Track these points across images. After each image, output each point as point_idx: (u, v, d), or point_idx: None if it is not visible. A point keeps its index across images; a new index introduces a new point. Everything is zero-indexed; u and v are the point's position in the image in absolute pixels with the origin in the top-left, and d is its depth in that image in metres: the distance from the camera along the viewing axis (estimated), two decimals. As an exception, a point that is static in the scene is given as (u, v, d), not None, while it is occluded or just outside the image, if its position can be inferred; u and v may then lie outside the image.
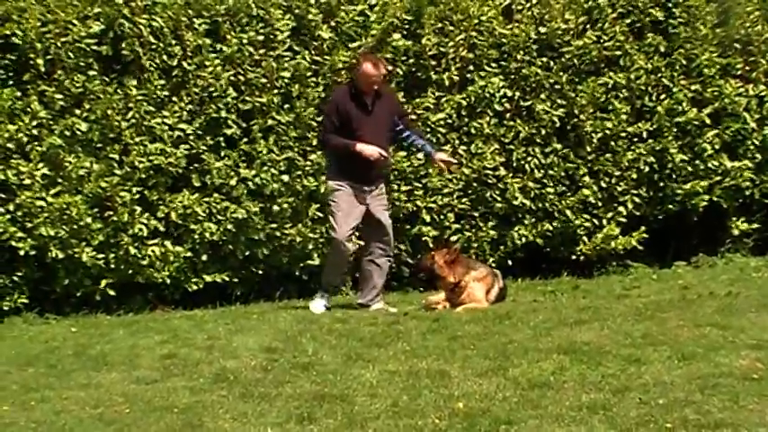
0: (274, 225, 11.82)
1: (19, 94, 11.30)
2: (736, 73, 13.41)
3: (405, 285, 12.49)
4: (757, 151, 13.33)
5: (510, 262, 12.70)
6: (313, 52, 12.10)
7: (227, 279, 11.85)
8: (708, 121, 13.08)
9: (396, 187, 12.18)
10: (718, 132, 13.13)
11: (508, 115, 12.65)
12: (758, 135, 13.31)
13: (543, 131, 12.65)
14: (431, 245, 12.20)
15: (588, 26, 12.89)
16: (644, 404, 6.69)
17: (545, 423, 6.39)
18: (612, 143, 12.87)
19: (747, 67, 13.47)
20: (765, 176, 13.40)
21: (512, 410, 6.67)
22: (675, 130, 13.02)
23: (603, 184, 12.89)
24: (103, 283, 11.46)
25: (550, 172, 12.71)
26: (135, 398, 7.46)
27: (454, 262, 10.97)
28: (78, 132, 11.30)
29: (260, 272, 12.03)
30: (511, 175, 12.61)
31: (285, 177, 11.80)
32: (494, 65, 12.59)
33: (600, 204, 12.89)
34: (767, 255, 13.32)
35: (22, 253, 11.14)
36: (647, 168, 12.94)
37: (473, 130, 12.53)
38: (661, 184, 13.13)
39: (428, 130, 12.28)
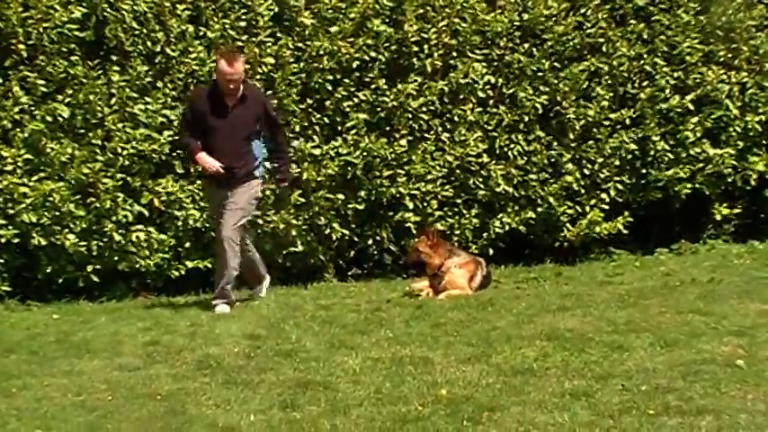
0: (257, 212, 11.80)
1: (0, 79, 11.23)
2: (719, 60, 13.42)
3: (388, 273, 12.48)
4: (739, 138, 13.35)
5: (493, 249, 12.70)
6: (295, 38, 12.07)
7: (209, 266, 11.83)
8: (690, 108, 13.10)
9: (378, 173, 12.17)
10: (700, 119, 13.14)
11: (491, 102, 12.65)
12: (740, 122, 13.32)
13: (526, 118, 12.65)
14: (414, 231, 12.20)
15: (571, 13, 12.88)
16: (626, 391, 6.72)
17: (528, 409, 6.41)
18: (595, 130, 12.88)
19: (729, 55, 13.47)
20: (747, 163, 13.42)
21: (495, 397, 6.69)
22: (658, 117, 13.04)
23: (586, 171, 12.90)
24: (89, 268, 11.42)
25: (533, 159, 12.70)
26: (117, 385, 7.46)
27: (436, 245, 11.02)
28: (60, 118, 11.25)
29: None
30: (494, 162, 12.60)
31: (267, 164, 11.76)
32: (476, 51, 12.58)
33: (583, 191, 12.91)
34: (749, 241, 13.35)
35: (3, 240, 11.09)
36: (629, 155, 12.96)
37: (456, 117, 12.51)
38: (643, 171, 13.15)
39: (410, 116, 12.27)
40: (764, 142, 13.55)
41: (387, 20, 12.31)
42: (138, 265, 11.52)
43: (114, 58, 11.55)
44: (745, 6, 13.58)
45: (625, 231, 12.99)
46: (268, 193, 11.79)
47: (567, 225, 12.86)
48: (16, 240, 11.17)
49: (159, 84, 11.63)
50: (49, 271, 11.39)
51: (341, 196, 12.09)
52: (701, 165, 13.17)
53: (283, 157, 11.00)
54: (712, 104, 13.25)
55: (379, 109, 12.19)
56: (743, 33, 13.50)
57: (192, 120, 10.52)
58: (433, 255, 11.03)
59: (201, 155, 10.39)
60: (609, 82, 12.94)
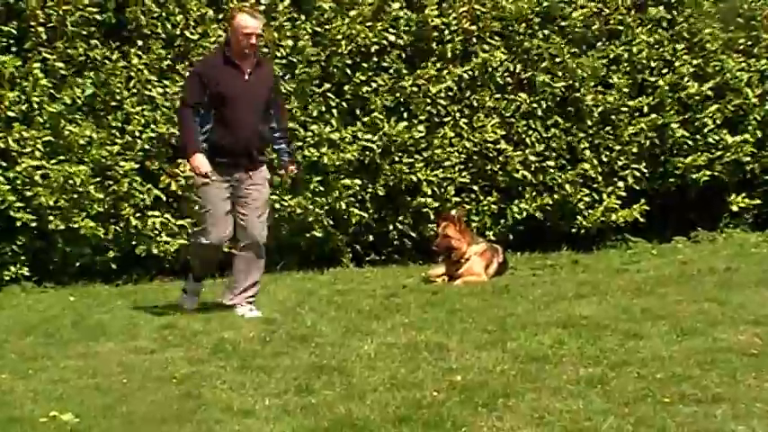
0: (275, 196, 11.80)
1: (21, 61, 11.25)
2: (739, 48, 13.38)
3: (405, 258, 12.49)
4: (758, 127, 13.31)
5: (510, 235, 12.69)
6: (314, 22, 12.06)
7: (226, 250, 11.83)
8: (709, 95, 13.06)
9: (397, 159, 12.16)
10: (719, 107, 13.11)
11: (509, 88, 12.63)
12: (759, 110, 13.29)
13: (544, 105, 12.63)
14: (432, 217, 12.20)
15: (590, -1, 12.87)
16: (642, 378, 6.69)
17: (543, 396, 6.40)
18: (613, 117, 12.85)
19: (749, 42, 13.45)
20: (766, 152, 13.38)
21: (510, 384, 6.67)
22: (677, 104, 13.01)
23: (604, 158, 12.88)
24: (111, 254, 11.44)
25: (551, 145, 12.69)
26: (133, 368, 7.47)
27: (463, 231, 11.04)
28: (80, 101, 11.28)
29: (260, 243, 12.02)
30: (512, 148, 12.59)
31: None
32: (496, 37, 12.56)
33: (600, 179, 12.88)
34: (767, 230, 13.31)
35: (19, 224, 11.11)
36: (647, 143, 12.93)
37: (474, 103, 12.51)
38: (662, 158, 13.13)
39: (428, 101, 12.26)
40: (784, 131, 13.51)
41: (406, 4, 12.29)
42: (154, 250, 11.53)
43: (133, 40, 11.56)
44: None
45: (642, 219, 12.96)
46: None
47: (584, 212, 12.84)
48: (34, 224, 11.20)
49: (178, 67, 11.64)
50: (65, 254, 11.42)
51: (358, 181, 12.08)
52: (719, 153, 13.13)
53: (287, 137, 9.99)
54: (732, 92, 13.20)
55: (398, 94, 12.18)
56: (763, 21, 13.47)
57: (201, 90, 9.07)
58: (462, 240, 11.02)
59: (198, 156, 9.02)
60: (627, 69, 12.90)
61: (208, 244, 9.39)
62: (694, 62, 13.03)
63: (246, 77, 9.10)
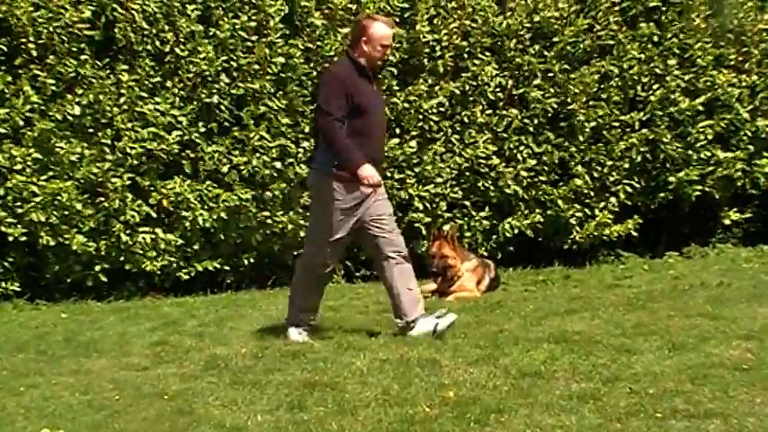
0: (266, 213, 11.79)
1: (11, 78, 11.23)
2: (729, 63, 13.40)
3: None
4: (749, 142, 13.33)
5: (502, 253, 12.69)
6: (305, 39, 12.07)
7: (218, 266, 11.84)
8: (701, 110, 13.07)
9: (389, 175, 12.16)
10: (710, 123, 13.12)
11: (501, 104, 12.64)
12: (750, 126, 13.30)
13: (536, 120, 12.64)
14: (423, 232, 12.20)
15: (581, 14, 12.87)
16: (634, 394, 6.70)
17: (535, 412, 6.39)
18: (605, 132, 12.86)
19: (740, 58, 13.47)
20: (757, 167, 13.40)
21: (502, 399, 6.67)
22: (668, 119, 13.02)
23: (596, 174, 12.88)
24: (98, 268, 11.43)
25: (543, 160, 12.69)
26: (125, 384, 7.46)
27: (456, 248, 11.05)
28: (70, 117, 11.26)
29: (251, 259, 12.01)
30: (504, 163, 12.59)
31: (277, 164, 11.76)
32: (487, 53, 12.57)
33: (592, 194, 12.89)
34: (758, 245, 13.33)
35: (11, 239, 11.10)
36: (639, 158, 12.94)
37: (466, 119, 12.51)
38: (653, 173, 13.14)
39: (420, 117, 12.27)
40: (774, 146, 13.54)
41: (398, 21, 12.31)
42: (145, 266, 11.51)
43: (123, 57, 11.56)
44: (757, 10, 13.57)
45: (634, 234, 12.97)
46: (277, 192, 11.78)
47: (577, 228, 12.84)
48: (24, 239, 11.18)
49: (168, 83, 11.63)
50: (57, 270, 11.41)
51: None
52: (710, 168, 13.14)
53: None
54: (723, 108, 13.23)
55: (389, 110, 12.19)
56: (754, 37, 13.50)
57: (346, 102, 8.43)
58: (457, 258, 11.04)
59: (368, 167, 8.39)
60: (619, 84, 12.92)
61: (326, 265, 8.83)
62: (686, 77, 13.04)
63: (374, 88, 8.81)
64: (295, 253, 11.94)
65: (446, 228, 11.89)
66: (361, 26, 8.67)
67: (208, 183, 11.67)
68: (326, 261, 8.77)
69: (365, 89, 8.55)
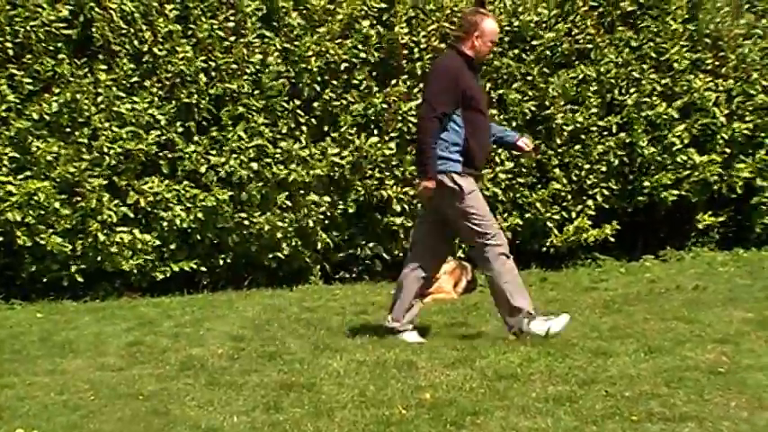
0: (243, 213, 11.77)
1: (-13, 77, 11.21)
2: (706, 68, 13.44)
3: (374, 276, 12.46)
4: (725, 146, 13.36)
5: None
6: (283, 39, 12.05)
7: (194, 267, 11.81)
8: (677, 115, 13.11)
9: (366, 175, 12.15)
10: (687, 126, 13.15)
11: (480, 106, 12.63)
12: (727, 130, 13.33)
13: (514, 123, 12.64)
14: (401, 235, 12.19)
15: (560, 19, 12.89)
16: (610, 396, 6.71)
17: (511, 414, 6.40)
18: (583, 136, 12.87)
19: (717, 63, 13.50)
20: (733, 171, 13.44)
21: (478, 401, 6.68)
22: (645, 123, 13.04)
23: (573, 177, 12.90)
24: (74, 268, 11.38)
25: (521, 162, 12.70)
26: (100, 385, 7.43)
27: None
28: (47, 116, 11.22)
29: (228, 260, 11.99)
30: (482, 166, 12.60)
31: (254, 165, 11.75)
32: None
33: (570, 197, 12.90)
34: (734, 249, 13.38)
35: (-13, 239, 11.08)
36: (616, 161, 12.95)
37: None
38: (630, 177, 13.16)
39: (399, 119, 12.26)
40: (750, 151, 13.57)
41: (376, 22, 12.31)
42: (121, 266, 11.47)
43: (101, 56, 11.53)
44: (733, 15, 13.62)
45: (611, 238, 13.00)
46: (254, 192, 11.76)
47: (555, 231, 12.85)
48: (0, 239, 11.13)
49: (146, 83, 11.60)
50: (33, 270, 11.37)
51: (328, 198, 12.07)
52: (687, 172, 13.17)
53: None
54: (699, 112, 13.26)
55: (368, 111, 12.18)
56: (730, 42, 13.53)
57: (453, 96, 8.40)
58: None
59: (430, 186, 8.40)
60: (597, 88, 12.93)
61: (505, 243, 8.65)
62: (662, 81, 13.07)
63: (480, 83, 8.93)
64: (270, 254, 11.94)
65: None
66: (474, 21, 8.65)
67: (185, 183, 11.64)
68: (502, 239, 8.63)
69: (473, 84, 8.57)
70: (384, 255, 12.44)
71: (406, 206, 12.32)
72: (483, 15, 8.72)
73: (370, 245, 12.42)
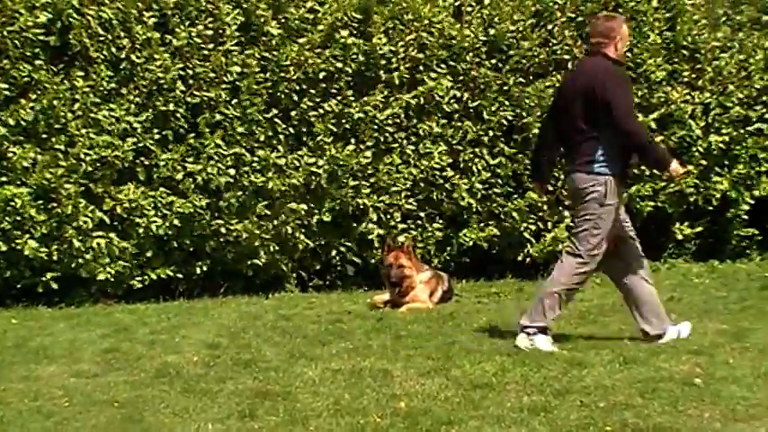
0: (221, 221, 11.76)
1: (-36, 83, 11.17)
2: (683, 80, 13.50)
3: (350, 284, 12.45)
4: (702, 158, 13.42)
5: (455, 263, 12.70)
6: (261, 48, 12.05)
7: (170, 274, 11.78)
8: (654, 126, 13.15)
9: (342, 184, 12.16)
10: (663, 138, 13.19)
11: (456, 116, 12.66)
12: (703, 142, 13.39)
13: (491, 133, 12.67)
14: (376, 244, 12.20)
15: (537, 29, 12.92)
16: (584, 407, 6.73)
17: (486, 424, 6.41)
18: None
19: (694, 75, 13.56)
20: (709, 183, 13.49)
21: (453, 411, 6.68)
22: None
23: (550, 187, 12.91)
24: (49, 275, 11.35)
25: (498, 173, 12.73)
26: (75, 391, 7.41)
27: (412, 259, 11.06)
28: (23, 122, 11.19)
29: (204, 267, 11.96)
30: (458, 175, 12.62)
31: (232, 172, 11.73)
32: (443, 66, 12.60)
33: (546, 207, 12.92)
34: (709, 261, 13.43)
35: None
36: (592, 172, 12.97)
37: (421, 131, 12.52)
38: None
39: (375, 128, 12.27)
40: (727, 163, 13.63)
41: (354, 32, 12.31)
42: (97, 273, 11.44)
43: (78, 63, 11.50)
44: (710, 27, 13.69)
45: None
46: (233, 201, 11.75)
47: (531, 241, 12.87)
48: (-25, 245, 11.11)
49: (123, 90, 11.58)
50: (7, 276, 11.33)
51: (304, 206, 12.06)
52: (663, 183, 13.21)
53: None
54: (676, 124, 13.32)
55: (344, 120, 12.18)
56: (707, 54, 13.60)
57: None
58: (413, 269, 11.06)
59: (675, 161, 8.62)
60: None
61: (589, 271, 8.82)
62: (639, 93, 13.11)
63: None
64: (248, 262, 11.93)
65: (401, 239, 11.93)
66: (614, 26, 8.68)
67: (162, 190, 11.62)
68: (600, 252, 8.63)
69: None
70: (359, 262, 12.45)
71: (381, 215, 12.33)
72: (619, 20, 8.81)
73: (347, 253, 12.42)
